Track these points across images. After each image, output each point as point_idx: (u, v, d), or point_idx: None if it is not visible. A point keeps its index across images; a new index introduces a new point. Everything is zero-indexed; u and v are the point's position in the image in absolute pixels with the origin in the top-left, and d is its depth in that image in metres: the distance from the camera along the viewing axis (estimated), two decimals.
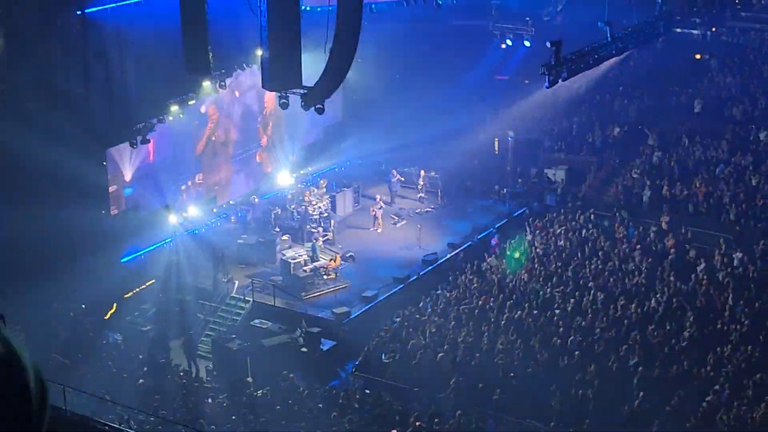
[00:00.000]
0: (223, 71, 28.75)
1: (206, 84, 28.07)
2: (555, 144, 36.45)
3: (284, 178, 35.26)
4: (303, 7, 23.43)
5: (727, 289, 26.65)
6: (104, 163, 28.87)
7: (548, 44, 28.17)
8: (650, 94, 36.70)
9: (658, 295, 26.49)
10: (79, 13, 27.38)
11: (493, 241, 31.73)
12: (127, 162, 29.51)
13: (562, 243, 30.35)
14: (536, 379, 23.42)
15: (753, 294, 26.28)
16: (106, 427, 18.11)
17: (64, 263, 25.95)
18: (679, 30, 37.15)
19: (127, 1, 27.89)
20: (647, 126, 35.50)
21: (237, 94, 33.38)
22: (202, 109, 32.19)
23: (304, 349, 25.76)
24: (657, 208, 31.72)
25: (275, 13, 21.07)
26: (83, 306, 27.09)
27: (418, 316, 26.82)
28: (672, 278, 27.25)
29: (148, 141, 29.01)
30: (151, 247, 30.21)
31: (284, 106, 23.52)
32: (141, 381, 24.14)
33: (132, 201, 30.24)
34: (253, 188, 34.87)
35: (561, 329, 25.21)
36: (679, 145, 34.29)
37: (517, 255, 30.20)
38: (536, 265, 29.01)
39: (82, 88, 27.32)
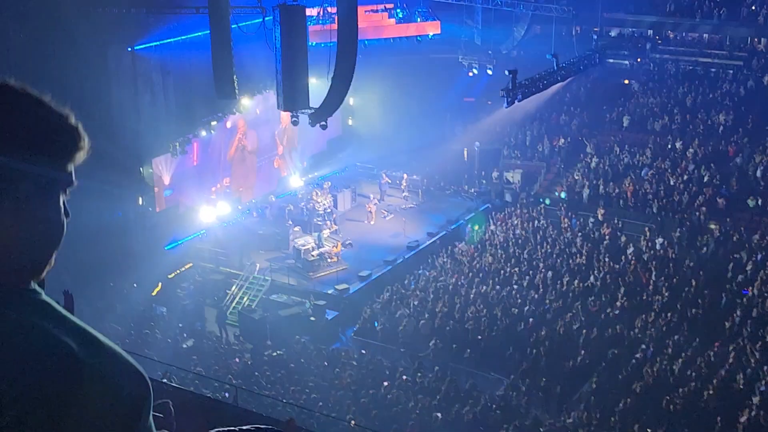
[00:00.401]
0: (246, 95, 28.67)
1: (236, 104, 28.21)
2: (512, 152, 36.36)
3: (296, 181, 35.11)
4: (309, 44, 23.30)
5: (651, 267, 26.69)
6: (150, 170, 28.74)
7: (507, 72, 28.20)
8: (588, 111, 36.61)
9: (595, 273, 26.50)
10: (129, 49, 27.34)
11: (468, 230, 31.77)
12: (164, 169, 29.31)
13: (519, 232, 30.31)
14: (499, 340, 23.43)
15: (671, 271, 26.32)
16: (153, 382, 17.90)
17: (119, 250, 25.82)
18: (611, 60, 37.08)
19: (170, 40, 27.84)
20: (586, 137, 35.45)
21: (258, 111, 33.18)
22: (228, 124, 32.02)
23: (312, 318, 25.68)
24: (594, 203, 31.67)
25: (287, 49, 21.06)
26: (134, 284, 26.93)
27: (403, 291, 26.76)
28: (607, 259, 27.24)
29: (186, 152, 28.96)
30: (189, 237, 30.05)
31: (295, 123, 23.44)
32: (189, 343, 24.05)
33: (172, 200, 30.07)
34: (271, 189, 34.68)
35: (518, 301, 25.20)
36: (611, 152, 34.24)
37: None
38: (498, 250, 28.97)
39: (132, 109, 27.18)
